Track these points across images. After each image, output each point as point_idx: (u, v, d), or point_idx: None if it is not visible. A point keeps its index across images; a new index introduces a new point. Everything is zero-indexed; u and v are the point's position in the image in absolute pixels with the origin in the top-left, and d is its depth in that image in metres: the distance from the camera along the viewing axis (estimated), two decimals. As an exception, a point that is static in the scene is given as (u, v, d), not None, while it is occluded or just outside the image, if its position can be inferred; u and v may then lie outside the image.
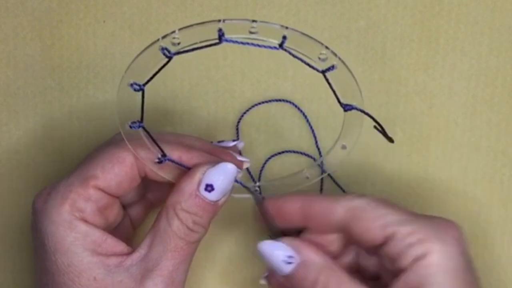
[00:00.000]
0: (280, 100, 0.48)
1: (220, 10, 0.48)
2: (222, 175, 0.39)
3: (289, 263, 0.40)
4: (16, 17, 0.48)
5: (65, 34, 0.48)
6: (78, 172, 0.40)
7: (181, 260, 0.40)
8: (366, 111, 0.39)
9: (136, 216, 0.45)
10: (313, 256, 0.40)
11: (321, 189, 0.48)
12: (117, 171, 0.40)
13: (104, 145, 0.42)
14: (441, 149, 0.48)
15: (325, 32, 0.48)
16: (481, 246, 0.48)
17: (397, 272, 0.39)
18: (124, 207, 0.44)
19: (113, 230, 0.42)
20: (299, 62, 0.49)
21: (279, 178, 0.46)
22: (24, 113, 0.48)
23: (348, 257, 0.43)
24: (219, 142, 0.45)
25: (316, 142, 0.48)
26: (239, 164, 0.43)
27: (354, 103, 0.39)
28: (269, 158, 0.48)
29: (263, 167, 0.48)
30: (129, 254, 0.39)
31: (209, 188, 0.39)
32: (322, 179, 0.48)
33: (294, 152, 0.48)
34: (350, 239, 0.42)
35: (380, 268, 0.42)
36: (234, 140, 0.45)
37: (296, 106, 0.48)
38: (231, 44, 0.35)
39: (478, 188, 0.48)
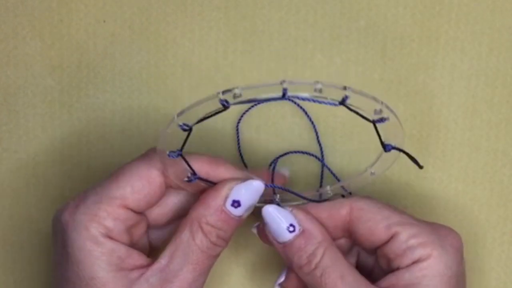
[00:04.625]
0: (280, 99, 0.48)
1: (220, 10, 0.47)
2: (249, 192, 0.40)
3: (291, 231, 0.40)
4: (16, 16, 0.48)
5: (65, 34, 0.48)
6: (108, 189, 0.40)
7: (200, 273, 0.40)
8: (406, 151, 0.40)
9: (157, 238, 0.44)
10: (315, 229, 0.41)
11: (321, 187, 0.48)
12: (147, 192, 0.40)
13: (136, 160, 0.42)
14: (441, 149, 0.48)
15: (325, 32, 0.48)
16: (481, 246, 0.48)
17: (391, 271, 0.40)
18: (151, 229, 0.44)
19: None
20: (299, 62, 0.49)
21: (296, 197, 0.46)
22: (24, 113, 0.48)
23: (353, 259, 0.44)
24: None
25: (318, 138, 0.48)
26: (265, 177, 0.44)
27: (394, 143, 0.40)
28: (275, 159, 0.48)
29: (273, 170, 0.47)
30: (149, 265, 0.40)
31: (236, 204, 0.40)
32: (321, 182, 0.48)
33: (298, 152, 0.48)
34: (353, 240, 0.43)
35: (374, 266, 0.43)
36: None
37: (297, 105, 0.48)
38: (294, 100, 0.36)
39: (478, 188, 0.48)
